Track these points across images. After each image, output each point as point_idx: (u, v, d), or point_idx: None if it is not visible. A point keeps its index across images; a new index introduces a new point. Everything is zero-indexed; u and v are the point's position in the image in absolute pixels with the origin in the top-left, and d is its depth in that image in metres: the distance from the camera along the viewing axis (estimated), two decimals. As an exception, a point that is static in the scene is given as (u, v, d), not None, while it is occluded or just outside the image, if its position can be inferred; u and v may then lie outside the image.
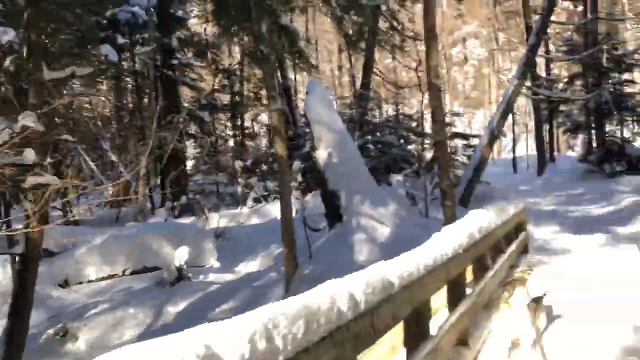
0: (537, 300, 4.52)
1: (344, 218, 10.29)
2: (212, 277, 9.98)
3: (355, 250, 9.53)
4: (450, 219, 8.21)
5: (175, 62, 18.53)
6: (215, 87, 22.35)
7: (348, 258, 9.25)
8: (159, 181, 17.29)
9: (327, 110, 10.79)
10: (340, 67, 35.87)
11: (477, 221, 5.06)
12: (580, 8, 22.34)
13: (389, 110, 24.59)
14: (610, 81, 19.02)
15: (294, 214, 12.00)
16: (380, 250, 9.21)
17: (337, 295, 1.99)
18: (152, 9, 17.70)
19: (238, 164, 16.31)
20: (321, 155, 10.57)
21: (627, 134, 19.97)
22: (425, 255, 3.36)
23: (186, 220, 14.28)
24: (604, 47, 18.43)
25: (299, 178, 14.19)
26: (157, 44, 17.28)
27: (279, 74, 18.31)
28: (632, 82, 20.53)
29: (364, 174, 10.95)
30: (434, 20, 8.37)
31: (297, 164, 15.39)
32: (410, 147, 19.31)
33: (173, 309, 8.16)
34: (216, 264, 10.80)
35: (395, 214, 10.44)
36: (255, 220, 13.89)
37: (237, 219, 13.87)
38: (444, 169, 8.94)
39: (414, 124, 20.68)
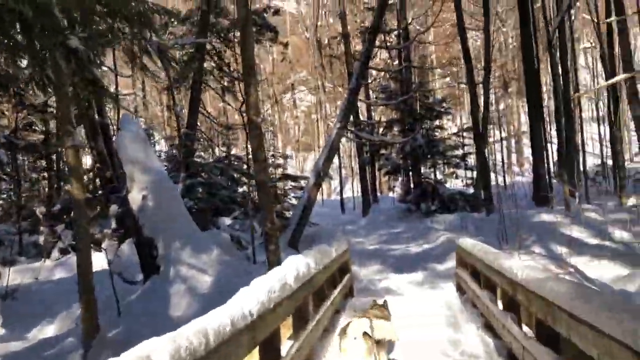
0: (377, 343, 4.23)
1: (162, 268, 9.28)
2: (-8, 348, 8.19)
3: (172, 303, 8.57)
4: (274, 263, 7.80)
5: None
6: (22, 124, 19.71)
7: (164, 313, 8.28)
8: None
9: (141, 148, 9.79)
10: (169, 107, 34.51)
11: (294, 269, 4.57)
12: (396, 62, 24.20)
13: (219, 152, 23.95)
14: (423, 127, 20.64)
15: (107, 265, 10.62)
16: (200, 302, 8.40)
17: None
18: None
19: (40, 210, 14.22)
20: (135, 198, 9.51)
21: (439, 175, 21.75)
22: (220, 319, 2.71)
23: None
24: (417, 95, 20.05)
25: (113, 224, 12.74)
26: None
27: (96, 112, 16.70)
28: (442, 128, 22.63)
29: (184, 218, 10.07)
30: (252, 58, 8.07)
31: (114, 208, 13.90)
32: (241, 189, 18.79)
33: None
34: (1, 331, 8.97)
35: (219, 261, 9.69)
36: (59, 275, 12.06)
37: (37, 274, 11.91)
38: (268, 211, 8.49)
39: (245, 166, 20.25)
